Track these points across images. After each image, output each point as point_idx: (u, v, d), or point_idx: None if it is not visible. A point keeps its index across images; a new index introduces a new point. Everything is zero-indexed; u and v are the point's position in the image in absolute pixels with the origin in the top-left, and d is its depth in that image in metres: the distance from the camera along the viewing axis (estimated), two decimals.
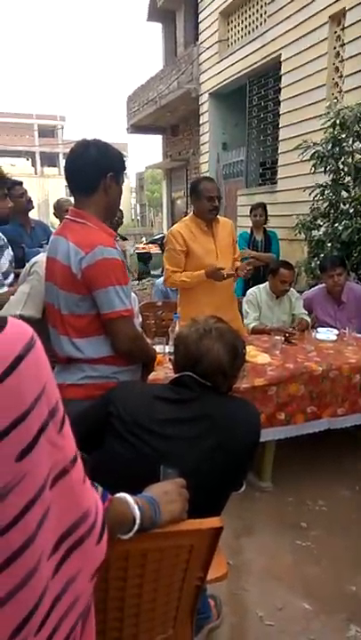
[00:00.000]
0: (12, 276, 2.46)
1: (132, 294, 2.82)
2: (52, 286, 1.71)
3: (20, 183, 3.58)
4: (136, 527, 0.93)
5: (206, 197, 2.97)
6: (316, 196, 4.57)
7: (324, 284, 3.72)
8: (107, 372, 1.68)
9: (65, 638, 0.68)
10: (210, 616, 1.88)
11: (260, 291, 3.66)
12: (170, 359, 2.48)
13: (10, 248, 2.54)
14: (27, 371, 0.57)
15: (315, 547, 2.39)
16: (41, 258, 1.92)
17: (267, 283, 3.64)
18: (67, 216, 1.72)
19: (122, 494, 0.94)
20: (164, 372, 2.50)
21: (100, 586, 0.97)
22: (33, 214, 3.83)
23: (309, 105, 6.35)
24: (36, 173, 35.99)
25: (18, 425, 0.56)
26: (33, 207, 3.83)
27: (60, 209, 4.10)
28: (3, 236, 2.49)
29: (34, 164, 38.72)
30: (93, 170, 1.64)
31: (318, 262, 4.21)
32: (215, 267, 2.93)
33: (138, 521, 0.93)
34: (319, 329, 3.52)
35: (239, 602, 2.06)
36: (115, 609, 1.12)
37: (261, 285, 3.68)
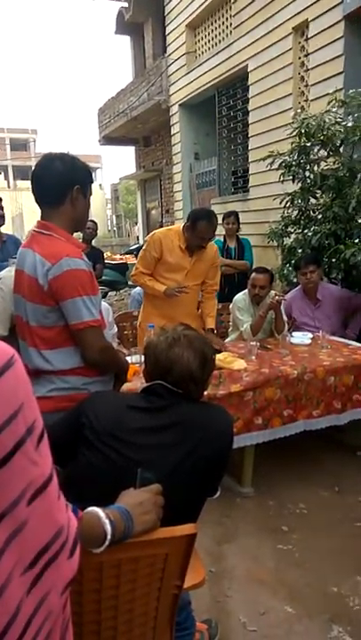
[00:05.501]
0: None
1: (106, 305, 2.82)
2: (20, 298, 1.70)
3: None
4: (107, 542, 0.93)
5: (199, 237, 3.08)
6: (286, 203, 4.64)
7: (299, 286, 3.77)
8: (77, 384, 1.67)
9: None
10: (193, 632, 1.86)
11: (245, 296, 3.68)
12: None
13: None
14: (0, 390, 0.58)
15: (296, 550, 2.41)
16: (6, 273, 1.90)
17: (247, 290, 3.66)
18: (33, 228, 1.71)
19: (93, 508, 0.93)
20: (140, 382, 2.49)
21: (74, 599, 0.96)
22: (7, 228, 3.81)
23: (277, 114, 6.46)
24: (9, 187, 35.76)
25: None
26: (4, 222, 3.81)
27: None
28: None
29: (6, 178, 38.50)
30: (59, 182, 1.65)
31: (291, 269, 4.28)
32: (175, 289, 3.06)
33: (109, 536, 0.93)
34: (294, 333, 3.56)
35: (222, 608, 2.06)
36: (91, 622, 1.11)
37: (245, 291, 3.70)
